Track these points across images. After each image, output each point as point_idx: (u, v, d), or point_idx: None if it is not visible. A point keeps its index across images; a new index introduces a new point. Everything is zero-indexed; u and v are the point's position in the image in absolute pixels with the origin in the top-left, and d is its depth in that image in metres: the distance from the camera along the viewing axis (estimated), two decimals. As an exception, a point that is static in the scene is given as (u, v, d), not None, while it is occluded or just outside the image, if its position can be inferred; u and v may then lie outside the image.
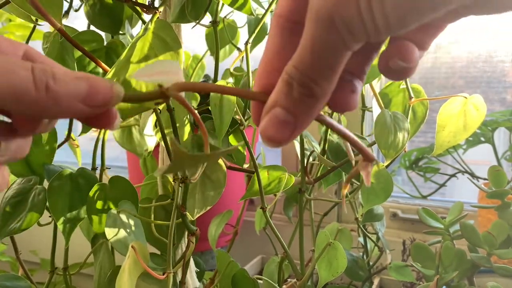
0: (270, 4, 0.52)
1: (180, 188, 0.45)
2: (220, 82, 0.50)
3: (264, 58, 0.25)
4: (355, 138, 0.25)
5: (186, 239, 0.53)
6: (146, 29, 0.40)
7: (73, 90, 0.22)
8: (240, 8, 0.49)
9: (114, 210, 0.44)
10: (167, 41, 0.40)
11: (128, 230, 0.44)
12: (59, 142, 0.53)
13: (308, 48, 0.20)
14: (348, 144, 0.30)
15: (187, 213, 0.46)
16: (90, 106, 0.23)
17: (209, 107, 0.48)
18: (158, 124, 0.46)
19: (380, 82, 0.81)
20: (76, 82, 0.23)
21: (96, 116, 0.24)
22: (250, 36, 0.51)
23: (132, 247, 0.40)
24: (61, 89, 0.22)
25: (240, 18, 0.72)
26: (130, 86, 0.40)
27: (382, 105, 0.58)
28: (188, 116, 0.50)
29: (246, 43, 0.51)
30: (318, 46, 0.20)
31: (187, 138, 0.49)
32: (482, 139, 0.87)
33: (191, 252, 0.44)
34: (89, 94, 0.23)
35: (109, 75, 0.40)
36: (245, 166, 0.58)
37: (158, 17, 0.42)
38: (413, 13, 0.19)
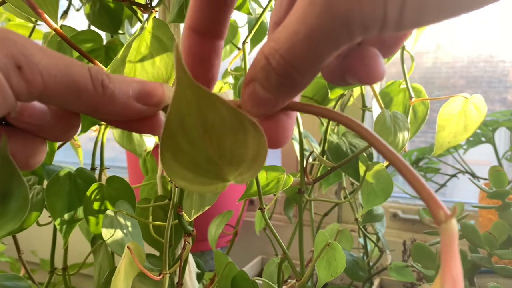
0: (268, 3, 0.52)
1: (176, 188, 0.45)
2: (218, 83, 0.50)
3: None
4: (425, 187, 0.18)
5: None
6: (142, 29, 0.40)
7: (126, 89, 0.23)
8: (239, 8, 0.49)
9: (111, 211, 0.44)
10: (163, 41, 0.40)
11: (125, 231, 0.44)
12: (59, 142, 0.53)
13: (303, 36, 0.18)
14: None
15: (184, 214, 0.46)
16: (146, 104, 0.23)
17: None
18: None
19: (380, 82, 0.80)
20: (128, 83, 0.23)
21: (143, 124, 0.24)
22: (248, 35, 0.51)
23: (128, 247, 0.40)
24: (116, 87, 0.22)
25: (240, 18, 0.72)
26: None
27: (382, 105, 0.58)
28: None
29: (244, 43, 0.50)
30: (317, 38, 0.18)
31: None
32: (483, 139, 0.87)
33: (187, 253, 0.44)
34: (143, 92, 0.23)
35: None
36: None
37: (154, 17, 0.41)
38: (444, 9, 0.17)
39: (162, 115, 0.25)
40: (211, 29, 0.25)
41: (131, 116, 0.23)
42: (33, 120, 0.23)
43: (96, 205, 0.46)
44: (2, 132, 0.22)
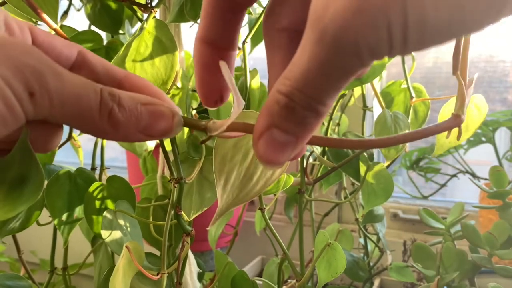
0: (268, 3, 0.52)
1: (175, 188, 0.45)
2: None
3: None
4: None
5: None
6: (142, 29, 0.40)
7: (134, 120, 0.23)
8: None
9: (110, 210, 0.44)
10: (163, 41, 0.40)
11: (124, 230, 0.44)
12: (60, 142, 0.53)
13: (316, 71, 0.19)
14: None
15: (184, 214, 0.46)
16: (148, 135, 0.23)
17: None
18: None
19: (381, 82, 0.80)
20: (139, 111, 0.23)
21: None
22: (247, 35, 0.51)
23: (126, 247, 0.40)
24: (122, 118, 0.22)
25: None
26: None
27: (383, 105, 0.58)
28: (186, 115, 0.50)
29: (244, 43, 0.50)
30: (331, 71, 0.19)
31: (183, 138, 0.49)
32: (483, 139, 0.87)
33: (186, 253, 0.44)
34: (150, 125, 0.23)
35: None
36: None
37: (154, 17, 0.41)
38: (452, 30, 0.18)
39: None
40: (222, 40, 0.25)
41: (133, 142, 0.24)
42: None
43: (97, 204, 0.46)
44: None
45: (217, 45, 0.25)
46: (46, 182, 0.47)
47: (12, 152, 0.23)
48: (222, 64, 0.23)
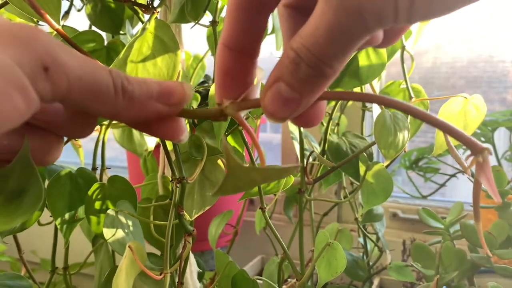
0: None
1: (177, 188, 0.45)
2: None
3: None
4: (452, 126, 0.21)
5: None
6: (144, 29, 0.40)
7: (146, 90, 0.22)
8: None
9: (112, 210, 0.44)
10: (165, 41, 0.40)
11: (126, 230, 0.44)
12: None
13: (323, 31, 0.19)
14: (451, 144, 0.26)
15: (185, 214, 0.46)
16: (166, 104, 0.23)
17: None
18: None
19: (380, 82, 0.81)
20: (147, 84, 0.23)
21: (165, 128, 0.24)
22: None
23: (129, 247, 0.40)
24: (135, 89, 0.22)
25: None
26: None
27: (382, 105, 0.58)
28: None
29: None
30: (337, 32, 0.19)
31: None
32: (482, 139, 0.87)
33: (187, 252, 0.44)
34: (163, 92, 0.23)
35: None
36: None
37: (156, 17, 0.42)
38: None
39: (183, 121, 0.25)
40: (246, 46, 0.25)
41: (152, 117, 0.23)
42: (46, 116, 0.23)
43: (97, 205, 0.47)
44: (20, 129, 0.21)
45: (241, 51, 0.25)
46: (47, 183, 0.47)
47: (13, 163, 0.23)
48: (259, 72, 0.24)
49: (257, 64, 0.26)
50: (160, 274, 0.42)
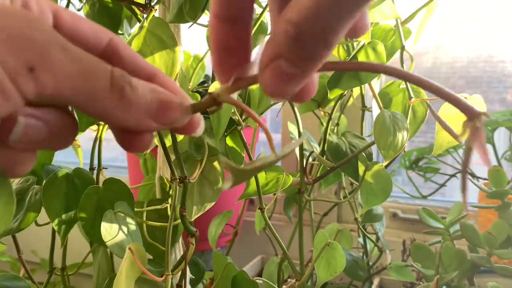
0: (268, 4, 0.52)
1: (178, 188, 0.45)
2: (215, 83, 0.50)
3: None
4: (443, 88, 0.20)
5: (180, 243, 0.53)
6: (142, 27, 0.40)
7: (145, 103, 0.22)
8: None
9: (110, 211, 0.44)
10: (163, 39, 0.40)
11: (125, 232, 0.44)
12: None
13: (313, 3, 0.18)
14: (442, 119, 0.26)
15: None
16: (158, 122, 0.22)
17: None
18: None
19: (380, 82, 0.81)
20: (150, 95, 0.22)
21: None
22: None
23: (129, 249, 0.39)
24: (134, 99, 0.21)
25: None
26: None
27: (381, 105, 0.58)
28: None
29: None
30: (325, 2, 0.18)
31: (183, 137, 0.49)
32: (482, 139, 0.87)
33: (191, 254, 0.44)
34: (160, 111, 0.22)
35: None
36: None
37: (154, 15, 0.42)
38: None
39: (198, 116, 0.24)
40: (237, 14, 0.23)
41: (141, 130, 0.23)
42: (30, 145, 0.22)
43: (91, 208, 0.46)
44: None
45: (233, 20, 0.23)
46: (43, 183, 0.47)
47: None
48: (257, 49, 0.22)
49: (251, 30, 0.24)
50: (161, 276, 0.42)
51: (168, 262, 0.43)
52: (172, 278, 0.46)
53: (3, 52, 0.17)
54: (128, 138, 0.24)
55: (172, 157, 0.47)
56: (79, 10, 0.56)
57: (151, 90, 0.22)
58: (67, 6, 0.52)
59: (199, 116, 0.24)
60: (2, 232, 0.44)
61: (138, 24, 0.45)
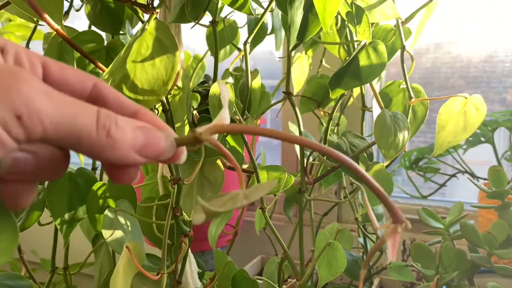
0: (269, 4, 0.52)
1: (174, 189, 0.45)
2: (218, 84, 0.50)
3: None
4: (383, 192, 0.24)
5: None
6: (143, 30, 0.40)
7: (130, 140, 0.24)
8: (240, 8, 0.49)
9: (111, 209, 0.44)
10: (164, 42, 0.40)
11: (125, 230, 0.44)
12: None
13: None
14: (371, 211, 0.30)
15: (184, 214, 0.46)
16: (144, 156, 0.24)
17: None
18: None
19: (380, 82, 0.81)
20: (135, 133, 0.24)
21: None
22: (249, 35, 0.51)
23: (126, 247, 0.40)
24: (120, 137, 0.23)
25: (240, 19, 0.72)
26: (124, 87, 0.40)
27: (382, 105, 0.58)
28: (187, 115, 0.50)
29: (245, 43, 0.51)
30: None
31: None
32: (482, 139, 0.87)
33: (184, 253, 0.45)
34: (145, 146, 0.24)
35: (105, 75, 0.40)
36: (245, 166, 0.58)
37: (156, 18, 0.42)
38: None
39: (181, 148, 0.26)
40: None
41: (128, 165, 0.24)
42: (19, 176, 0.23)
43: (100, 203, 0.47)
44: None
45: None
46: (46, 182, 0.47)
47: None
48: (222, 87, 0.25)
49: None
50: (157, 275, 0.43)
51: (164, 261, 0.44)
52: (175, 275, 0.46)
53: None
54: (116, 171, 0.25)
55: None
56: (77, 10, 0.56)
57: (137, 127, 0.24)
58: (69, 6, 0.52)
59: (182, 147, 0.26)
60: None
61: (140, 25, 0.45)
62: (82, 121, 0.22)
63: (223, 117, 0.25)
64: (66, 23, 0.50)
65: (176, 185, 0.45)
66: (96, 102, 0.25)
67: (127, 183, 0.26)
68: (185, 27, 0.54)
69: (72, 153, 0.68)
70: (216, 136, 0.26)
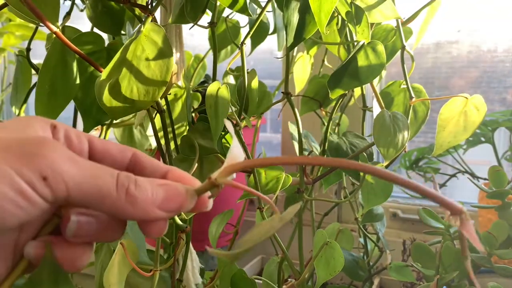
0: (266, 5, 0.52)
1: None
2: (215, 84, 0.50)
3: None
4: (436, 193, 0.24)
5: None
6: (139, 32, 0.40)
7: (150, 197, 0.25)
8: (240, 11, 0.50)
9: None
10: (158, 44, 0.40)
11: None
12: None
13: None
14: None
15: (183, 213, 0.46)
16: (166, 210, 0.26)
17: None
18: (152, 127, 0.47)
19: (380, 82, 0.81)
20: (155, 189, 0.26)
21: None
22: (245, 36, 0.52)
23: (120, 243, 0.40)
24: (139, 194, 0.25)
25: (243, 18, 0.72)
26: (120, 88, 0.40)
27: (383, 105, 0.58)
28: (187, 116, 0.50)
29: (242, 44, 0.51)
30: None
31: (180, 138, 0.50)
32: (482, 139, 0.87)
33: (181, 249, 0.45)
34: (165, 201, 0.26)
35: (103, 76, 0.40)
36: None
37: (151, 20, 0.42)
38: None
39: (206, 196, 0.28)
40: None
41: (152, 220, 0.26)
42: (83, 239, 0.26)
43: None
44: (51, 239, 0.25)
45: None
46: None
47: (38, 268, 0.25)
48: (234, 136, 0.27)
49: None
50: (150, 271, 0.43)
51: (157, 258, 0.44)
52: (176, 272, 0.46)
53: (21, 168, 0.22)
54: (145, 226, 0.27)
55: (173, 155, 0.47)
56: (81, 10, 0.56)
57: (157, 185, 0.26)
58: (71, 7, 0.52)
59: (206, 196, 0.28)
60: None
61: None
62: (102, 182, 0.24)
63: (235, 155, 0.26)
64: (69, 23, 0.50)
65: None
66: (135, 168, 0.29)
67: (157, 236, 0.27)
68: (186, 27, 0.55)
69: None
70: (234, 175, 0.27)
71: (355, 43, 0.55)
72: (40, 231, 0.25)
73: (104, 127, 0.55)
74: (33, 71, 0.58)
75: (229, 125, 0.28)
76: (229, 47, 0.76)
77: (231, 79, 0.74)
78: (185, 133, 0.53)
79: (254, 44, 0.72)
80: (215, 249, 0.24)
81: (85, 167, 0.24)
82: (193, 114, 0.58)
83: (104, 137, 0.55)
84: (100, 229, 0.26)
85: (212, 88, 0.48)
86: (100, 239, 0.27)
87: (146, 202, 0.25)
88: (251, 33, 0.52)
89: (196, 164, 0.48)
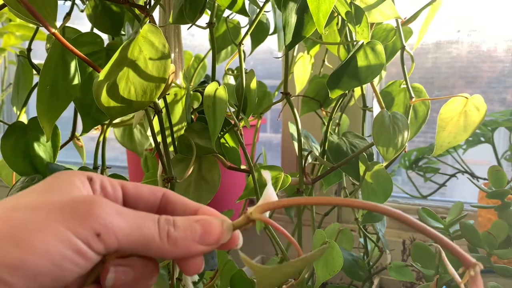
0: (264, 5, 0.52)
1: (167, 185, 0.45)
2: (213, 84, 0.50)
3: None
4: (450, 242, 0.24)
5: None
6: (136, 33, 0.40)
7: (189, 235, 0.27)
8: (240, 12, 0.50)
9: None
10: (156, 45, 0.40)
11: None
12: (63, 141, 0.53)
13: None
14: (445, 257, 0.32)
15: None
16: (205, 244, 0.28)
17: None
18: (150, 127, 0.47)
19: (380, 82, 0.81)
20: (193, 226, 0.28)
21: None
22: (243, 37, 0.52)
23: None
24: (179, 235, 0.27)
25: (243, 19, 0.72)
26: (117, 89, 0.40)
27: (383, 105, 0.58)
28: (186, 115, 0.50)
29: (239, 44, 0.51)
30: None
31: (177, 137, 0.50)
32: (482, 139, 0.87)
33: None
34: (204, 235, 0.28)
35: (101, 77, 0.40)
36: (245, 166, 0.58)
37: (148, 21, 0.42)
38: None
39: (236, 233, 0.29)
40: None
41: (194, 256, 0.28)
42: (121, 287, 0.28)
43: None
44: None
45: None
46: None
47: None
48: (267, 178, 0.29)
49: None
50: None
51: None
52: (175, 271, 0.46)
53: (76, 227, 0.24)
54: (185, 264, 0.29)
55: (172, 155, 0.47)
56: (82, 11, 0.56)
57: (194, 221, 0.28)
58: (71, 8, 0.52)
59: (237, 233, 0.30)
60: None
61: (139, 26, 0.45)
62: (147, 230, 0.26)
63: (269, 195, 0.28)
64: (69, 23, 0.50)
65: (169, 183, 0.45)
66: (167, 207, 0.31)
67: (196, 273, 0.29)
68: (185, 27, 0.55)
69: (72, 154, 0.68)
70: (267, 214, 0.29)
71: (355, 43, 0.55)
72: (85, 280, 0.27)
73: (104, 127, 0.55)
74: (34, 72, 0.58)
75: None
76: (229, 48, 0.76)
77: (231, 80, 0.74)
78: (182, 131, 0.53)
79: (254, 44, 0.72)
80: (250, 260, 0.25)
81: (130, 217, 0.26)
82: (193, 115, 0.58)
83: (104, 137, 0.55)
84: (135, 278, 0.27)
85: (210, 88, 0.48)
86: (133, 287, 0.28)
87: (186, 240, 0.27)
88: (249, 33, 0.52)
89: (194, 164, 0.48)
